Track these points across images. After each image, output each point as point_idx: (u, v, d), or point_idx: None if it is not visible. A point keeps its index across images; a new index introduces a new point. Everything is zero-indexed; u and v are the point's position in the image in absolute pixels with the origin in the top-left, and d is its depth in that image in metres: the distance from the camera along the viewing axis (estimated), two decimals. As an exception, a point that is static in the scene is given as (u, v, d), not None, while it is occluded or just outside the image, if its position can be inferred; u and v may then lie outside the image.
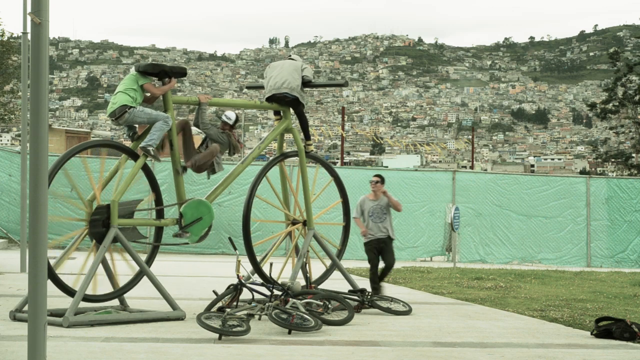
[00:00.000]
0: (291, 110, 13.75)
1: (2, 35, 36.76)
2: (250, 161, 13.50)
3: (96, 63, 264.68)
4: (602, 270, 22.40)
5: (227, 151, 13.03)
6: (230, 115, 12.91)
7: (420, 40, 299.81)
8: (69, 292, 11.48)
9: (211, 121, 12.94)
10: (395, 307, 12.99)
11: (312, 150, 14.03)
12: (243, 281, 11.75)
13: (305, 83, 13.68)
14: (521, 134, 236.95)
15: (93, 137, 51.22)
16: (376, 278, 13.94)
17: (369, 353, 9.70)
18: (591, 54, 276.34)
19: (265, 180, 13.62)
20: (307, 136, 13.98)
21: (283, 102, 13.49)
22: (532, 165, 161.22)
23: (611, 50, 56.08)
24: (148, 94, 12.26)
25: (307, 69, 13.66)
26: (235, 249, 12.01)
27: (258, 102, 14.03)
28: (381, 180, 14.29)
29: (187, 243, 12.67)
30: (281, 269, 13.81)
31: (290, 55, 14.03)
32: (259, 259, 13.38)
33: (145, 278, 12.10)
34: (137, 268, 12.17)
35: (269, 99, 13.54)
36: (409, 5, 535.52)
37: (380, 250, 13.89)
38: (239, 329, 10.28)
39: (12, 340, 9.66)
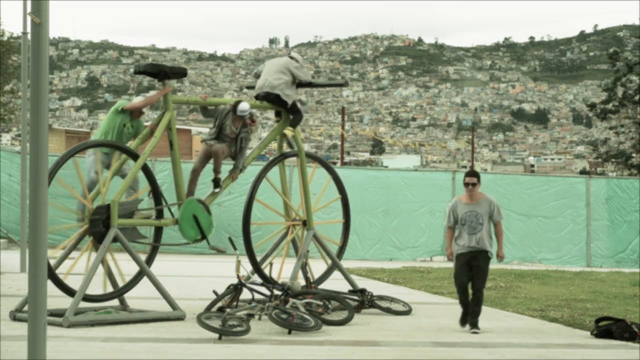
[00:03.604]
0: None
1: (2, 35, 36.77)
2: (250, 161, 13.50)
3: (96, 63, 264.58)
4: (602, 270, 22.38)
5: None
6: (243, 107, 12.81)
7: (420, 40, 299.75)
8: (69, 292, 11.48)
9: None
10: (395, 307, 12.99)
11: (291, 136, 13.80)
12: (243, 281, 11.75)
13: (304, 83, 13.69)
14: (521, 134, 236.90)
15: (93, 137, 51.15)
16: (466, 300, 11.42)
17: (369, 353, 9.70)
18: (591, 54, 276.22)
19: (265, 181, 13.62)
20: (292, 124, 13.78)
21: (275, 101, 13.47)
22: (532, 165, 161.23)
23: (611, 50, 56.10)
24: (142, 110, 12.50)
25: (299, 67, 13.53)
26: (235, 249, 12.02)
27: (258, 103, 14.02)
28: (478, 179, 11.53)
29: (188, 243, 12.69)
30: (279, 269, 13.74)
31: (290, 54, 14.02)
32: (258, 259, 13.38)
33: (145, 278, 12.10)
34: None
35: (258, 99, 13.53)
36: (409, 5, 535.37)
37: (471, 266, 11.42)
38: (239, 329, 10.28)
39: (12, 340, 9.66)
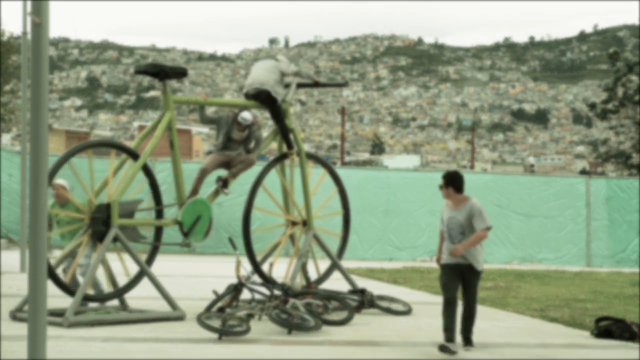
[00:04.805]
0: (291, 110, 13.73)
1: (2, 35, 36.78)
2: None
3: (96, 63, 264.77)
4: (602, 270, 22.40)
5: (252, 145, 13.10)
6: (246, 117, 12.84)
7: (420, 40, 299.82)
8: (69, 292, 11.48)
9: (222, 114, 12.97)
10: (395, 307, 12.99)
11: (293, 155, 13.74)
12: (243, 281, 11.76)
13: (306, 84, 13.74)
14: (521, 134, 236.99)
15: (93, 137, 51.21)
16: (450, 324, 9.70)
17: (369, 353, 9.70)
18: (591, 54, 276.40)
19: (266, 180, 13.62)
20: (288, 144, 13.57)
21: (265, 100, 13.38)
22: (532, 165, 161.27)
23: (611, 50, 56.10)
24: None
25: (286, 63, 13.51)
26: (235, 248, 12.02)
27: (253, 103, 14.00)
28: (446, 182, 9.96)
29: (187, 243, 12.68)
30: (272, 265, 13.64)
31: (276, 56, 14.06)
32: (258, 258, 13.38)
33: (145, 278, 12.10)
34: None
35: (249, 98, 13.45)
36: (409, 5, 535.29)
37: (459, 282, 9.94)
38: (239, 329, 10.28)
39: (12, 340, 9.66)
